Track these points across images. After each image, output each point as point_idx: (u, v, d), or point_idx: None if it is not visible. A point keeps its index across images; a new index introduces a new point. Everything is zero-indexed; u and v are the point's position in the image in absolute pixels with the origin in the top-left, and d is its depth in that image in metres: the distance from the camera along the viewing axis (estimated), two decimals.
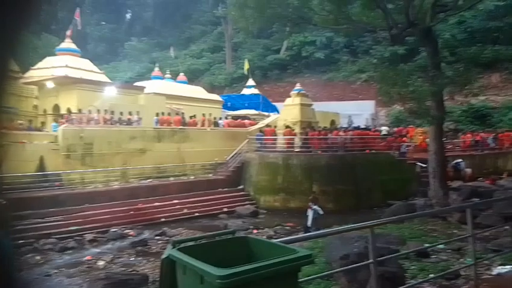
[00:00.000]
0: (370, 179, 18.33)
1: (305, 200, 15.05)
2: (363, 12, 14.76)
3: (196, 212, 16.42)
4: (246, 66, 37.71)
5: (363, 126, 26.56)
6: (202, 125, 23.41)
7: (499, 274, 5.24)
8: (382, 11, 13.38)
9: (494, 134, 25.69)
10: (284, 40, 42.84)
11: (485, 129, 28.36)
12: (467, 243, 10.68)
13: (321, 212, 13.69)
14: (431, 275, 6.86)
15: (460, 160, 20.95)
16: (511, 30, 32.60)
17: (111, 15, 67.66)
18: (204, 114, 24.66)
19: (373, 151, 20.37)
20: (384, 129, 26.35)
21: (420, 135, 24.49)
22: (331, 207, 16.13)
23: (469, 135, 26.23)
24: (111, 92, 21.94)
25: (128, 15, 73.33)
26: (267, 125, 24.21)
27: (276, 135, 21.21)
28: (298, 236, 3.62)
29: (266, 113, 30.66)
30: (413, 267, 8.38)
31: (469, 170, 21.12)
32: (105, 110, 19.81)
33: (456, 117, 30.06)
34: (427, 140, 17.64)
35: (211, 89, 38.48)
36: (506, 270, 5.34)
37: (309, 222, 13.43)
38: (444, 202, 13.85)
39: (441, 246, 9.76)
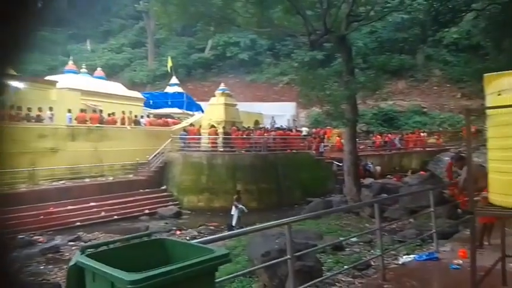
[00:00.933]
0: (291, 178, 19.04)
1: (229, 200, 15.18)
2: (284, 17, 15.29)
3: (116, 215, 15.64)
4: (169, 63, 36.80)
5: (285, 127, 27.48)
6: (122, 123, 22.34)
7: (403, 263, 5.75)
8: (302, 17, 13.98)
9: (400, 136, 28.28)
10: (208, 39, 42.61)
11: (392, 131, 31.08)
12: (377, 236, 11.64)
13: (246, 210, 13.97)
14: (346, 267, 7.35)
15: (369, 162, 22.76)
16: (414, 41, 36.07)
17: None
18: (124, 112, 23.54)
19: (294, 151, 21.20)
20: (304, 130, 27.56)
21: (337, 136, 26.02)
22: (255, 206, 16.46)
23: (379, 136, 28.51)
24: (17, 85, 19.90)
25: (39, 3, 67.25)
26: (191, 124, 23.90)
27: (200, 135, 21.03)
28: (216, 236, 3.62)
29: (190, 112, 30.23)
30: (329, 260, 8.90)
31: (378, 168, 22.98)
32: (11, 105, 17.94)
33: (368, 120, 32.50)
34: (343, 140, 18.81)
35: (132, 86, 36.84)
36: (410, 259, 5.89)
37: (234, 221, 13.58)
38: (357, 198, 14.91)
39: (354, 239, 10.49)
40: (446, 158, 21.70)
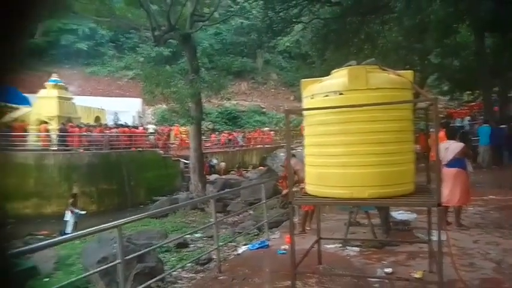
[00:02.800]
0: (136, 177, 18.31)
1: (64, 204, 13.72)
2: (127, 9, 14.58)
3: None
4: None
5: (130, 124, 26.18)
6: None
7: (239, 254, 6.11)
8: (145, 11, 13.54)
9: (242, 134, 30.18)
10: (38, 23, 37.36)
11: (236, 129, 32.94)
12: (220, 230, 12.11)
13: (83, 213, 12.81)
14: (186, 264, 7.44)
15: (214, 159, 23.71)
16: (252, 45, 38.83)
17: None
18: None
19: (140, 149, 20.43)
20: (151, 128, 26.80)
21: (184, 134, 26.14)
22: (94, 209, 15.32)
23: (224, 134, 29.82)
24: None
25: None
26: (15, 120, 20.58)
27: (27, 132, 18.31)
28: (26, 248, 3.16)
29: (14, 106, 25.97)
30: (173, 258, 8.88)
31: (223, 165, 24.06)
32: None
33: (213, 118, 33.65)
34: (189, 138, 18.99)
35: None
36: (244, 249, 6.29)
37: (69, 228, 12.31)
38: (202, 194, 15.26)
39: (198, 234, 10.71)
40: (282, 154, 24.12)
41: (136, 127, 24.75)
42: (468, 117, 22.17)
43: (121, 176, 17.77)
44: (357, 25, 17.00)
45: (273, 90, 40.84)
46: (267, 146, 30.25)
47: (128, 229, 9.75)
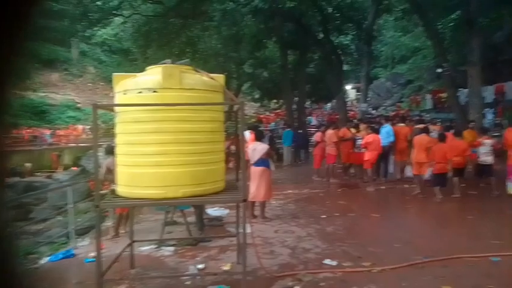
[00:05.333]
0: None
1: None
2: None
3: None
4: None
5: None
6: None
7: (37, 267, 5.33)
8: None
9: (52, 131, 26.74)
10: None
11: (44, 125, 28.90)
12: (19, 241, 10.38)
13: None
14: None
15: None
16: (63, 32, 34.63)
17: None
18: None
19: None
20: None
21: None
22: None
23: (28, 130, 25.85)
24: None
25: None
26: None
27: None
28: None
29: None
30: None
31: (29, 165, 20.87)
32: None
33: (14, 112, 28.68)
34: None
35: None
36: (46, 260, 5.52)
37: None
38: None
39: None
40: (99, 154, 22.36)
41: None
42: (279, 122, 25.41)
43: None
44: (178, 27, 17.17)
45: (90, 84, 37.47)
46: (82, 144, 27.55)
47: None
